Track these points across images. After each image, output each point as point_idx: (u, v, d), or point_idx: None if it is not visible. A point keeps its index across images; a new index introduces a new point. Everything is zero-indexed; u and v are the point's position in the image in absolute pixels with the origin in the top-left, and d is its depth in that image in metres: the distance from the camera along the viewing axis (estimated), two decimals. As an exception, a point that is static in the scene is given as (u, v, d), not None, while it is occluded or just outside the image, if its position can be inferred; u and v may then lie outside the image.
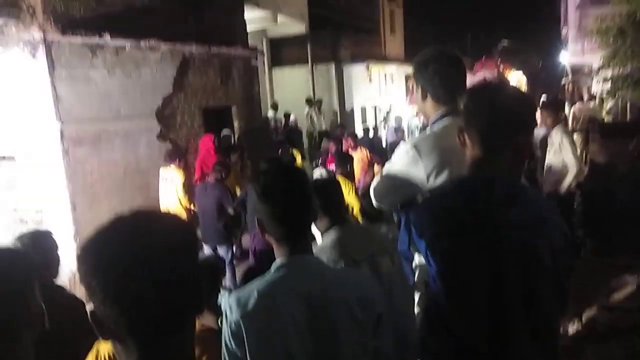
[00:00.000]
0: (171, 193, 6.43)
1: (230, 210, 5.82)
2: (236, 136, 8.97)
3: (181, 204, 6.33)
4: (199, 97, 8.58)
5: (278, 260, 1.57)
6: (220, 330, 1.59)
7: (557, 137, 4.85)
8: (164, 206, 6.42)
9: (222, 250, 5.91)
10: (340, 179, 5.14)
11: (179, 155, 6.88)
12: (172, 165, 6.62)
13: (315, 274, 1.55)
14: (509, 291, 1.57)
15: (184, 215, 6.06)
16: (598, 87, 12.68)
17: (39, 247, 2.47)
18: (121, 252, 0.93)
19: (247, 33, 10.18)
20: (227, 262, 5.78)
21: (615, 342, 2.87)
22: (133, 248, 0.94)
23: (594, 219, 5.92)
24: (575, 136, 6.98)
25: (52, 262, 2.62)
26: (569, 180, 4.78)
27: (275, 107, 13.14)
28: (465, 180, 1.70)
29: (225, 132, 8.70)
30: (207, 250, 5.92)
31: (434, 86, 2.20)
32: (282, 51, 15.18)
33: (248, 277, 2.88)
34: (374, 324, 1.58)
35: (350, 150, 7.77)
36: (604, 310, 3.34)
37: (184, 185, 6.37)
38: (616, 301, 3.38)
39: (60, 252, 2.72)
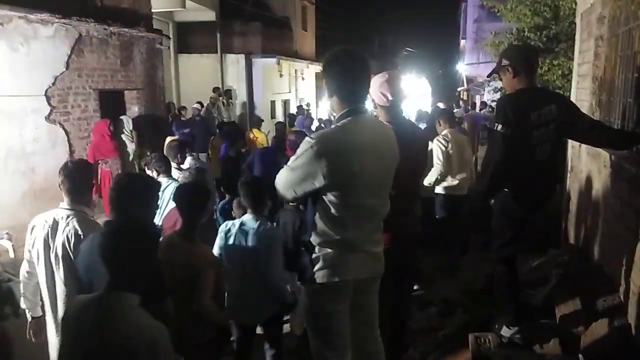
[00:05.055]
0: None
1: None
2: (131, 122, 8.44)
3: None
4: (95, 79, 8.02)
5: None
6: None
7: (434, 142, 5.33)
8: None
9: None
10: None
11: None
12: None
13: None
14: None
15: None
16: (489, 96, 13.68)
17: None
18: None
19: (151, 14, 9.69)
20: None
21: (493, 328, 3.10)
22: None
23: (478, 218, 6.38)
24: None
25: None
26: (429, 179, 5.29)
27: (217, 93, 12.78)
28: None
29: (123, 117, 8.22)
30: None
31: (339, 85, 2.25)
32: (190, 37, 14.64)
33: None
34: None
35: None
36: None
37: None
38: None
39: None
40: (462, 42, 25.80)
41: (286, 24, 18.15)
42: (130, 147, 8.06)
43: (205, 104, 12.24)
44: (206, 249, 2.96)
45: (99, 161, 7.21)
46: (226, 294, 3.26)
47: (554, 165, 2.95)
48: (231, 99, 13.88)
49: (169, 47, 12.55)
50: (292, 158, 2.25)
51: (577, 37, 4.94)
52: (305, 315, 2.39)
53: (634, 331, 2.59)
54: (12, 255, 3.87)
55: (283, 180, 2.28)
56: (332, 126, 2.31)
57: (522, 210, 2.87)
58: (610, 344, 2.54)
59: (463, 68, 23.42)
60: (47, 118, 7.16)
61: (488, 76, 3.60)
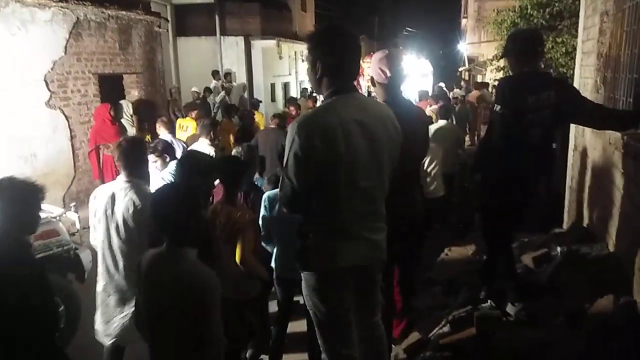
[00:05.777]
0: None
1: None
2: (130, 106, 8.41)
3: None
4: (95, 63, 7.97)
5: None
6: None
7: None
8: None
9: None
10: None
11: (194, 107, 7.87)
12: (189, 117, 7.35)
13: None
14: None
15: None
16: (492, 75, 13.57)
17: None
18: None
19: (149, -3, 9.59)
20: None
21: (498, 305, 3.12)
22: None
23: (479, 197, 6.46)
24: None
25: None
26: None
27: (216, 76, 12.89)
28: None
29: (122, 102, 8.18)
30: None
31: (324, 64, 2.14)
32: (188, 20, 14.49)
33: None
34: None
35: None
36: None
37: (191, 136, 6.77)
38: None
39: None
40: (464, 21, 25.52)
41: (285, 5, 17.95)
42: (131, 131, 8.04)
43: (220, 91, 12.22)
44: (245, 210, 3.22)
45: (100, 146, 7.19)
46: (274, 255, 3.58)
47: (546, 149, 3.01)
48: (230, 82, 13.81)
49: (167, 30, 12.44)
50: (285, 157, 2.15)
51: (582, 13, 4.87)
52: (307, 303, 2.36)
53: (638, 304, 2.60)
54: (78, 226, 4.25)
55: (285, 188, 2.17)
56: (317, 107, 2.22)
57: (511, 190, 2.92)
58: (616, 320, 2.55)
59: (464, 47, 23.22)
60: (47, 103, 7.14)
61: (498, 59, 3.66)
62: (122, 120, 7.95)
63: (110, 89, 8.33)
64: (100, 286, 3.18)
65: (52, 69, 7.17)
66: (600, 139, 3.76)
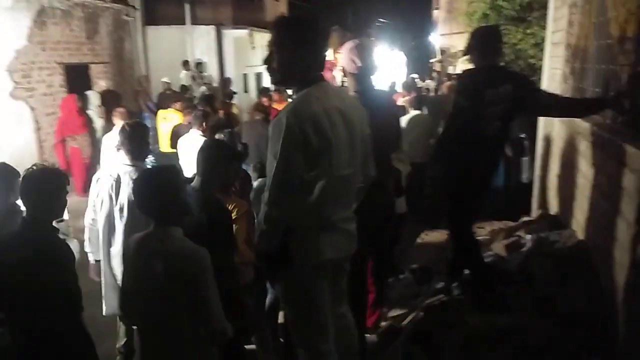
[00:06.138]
0: (167, 134, 6.66)
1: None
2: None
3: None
4: (60, 52, 7.73)
5: None
6: None
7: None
8: (163, 144, 6.75)
9: None
10: None
11: (178, 98, 7.64)
12: (172, 108, 7.20)
13: None
14: None
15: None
16: (463, 67, 13.69)
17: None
18: None
19: (117, -16, 9.34)
20: None
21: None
22: None
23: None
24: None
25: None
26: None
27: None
28: None
29: (89, 92, 7.97)
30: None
31: (295, 54, 2.12)
32: (158, 8, 14.14)
33: None
34: None
35: None
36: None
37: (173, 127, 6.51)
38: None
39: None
40: (436, 12, 25.69)
41: (257, -6, 17.72)
42: (99, 123, 7.85)
43: (192, 84, 12.06)
44: (237, 199, 3.25)
45: (67, 138, 6.99)
46: None
47: (500, 142, 3.16)
48: (202, 72, 13.59)
49: (135, 19, 12.14)
50: (270, 155, 2.09)
51: (551, 4, 4.94)
52: (285, 299, 2.34)
53: (605, 290, 2.67)
54: (66, 217, 4.19)
55: (275, 184, 2.06)
56: (295, 96, 2.19)
57: (470, 181, 3.01)
58: (584, 303, 2.62)
59: (436, 39, 23.37)
60: (11, 94, 6.90)
61: (461, 56, 3.81)
62: (89, 112, 7.75)
63: (77, 79, 8.10)
64: (104, 267, 3.23)
65: (15, 58, 6.92)
66: (568, 129, 3.83)
